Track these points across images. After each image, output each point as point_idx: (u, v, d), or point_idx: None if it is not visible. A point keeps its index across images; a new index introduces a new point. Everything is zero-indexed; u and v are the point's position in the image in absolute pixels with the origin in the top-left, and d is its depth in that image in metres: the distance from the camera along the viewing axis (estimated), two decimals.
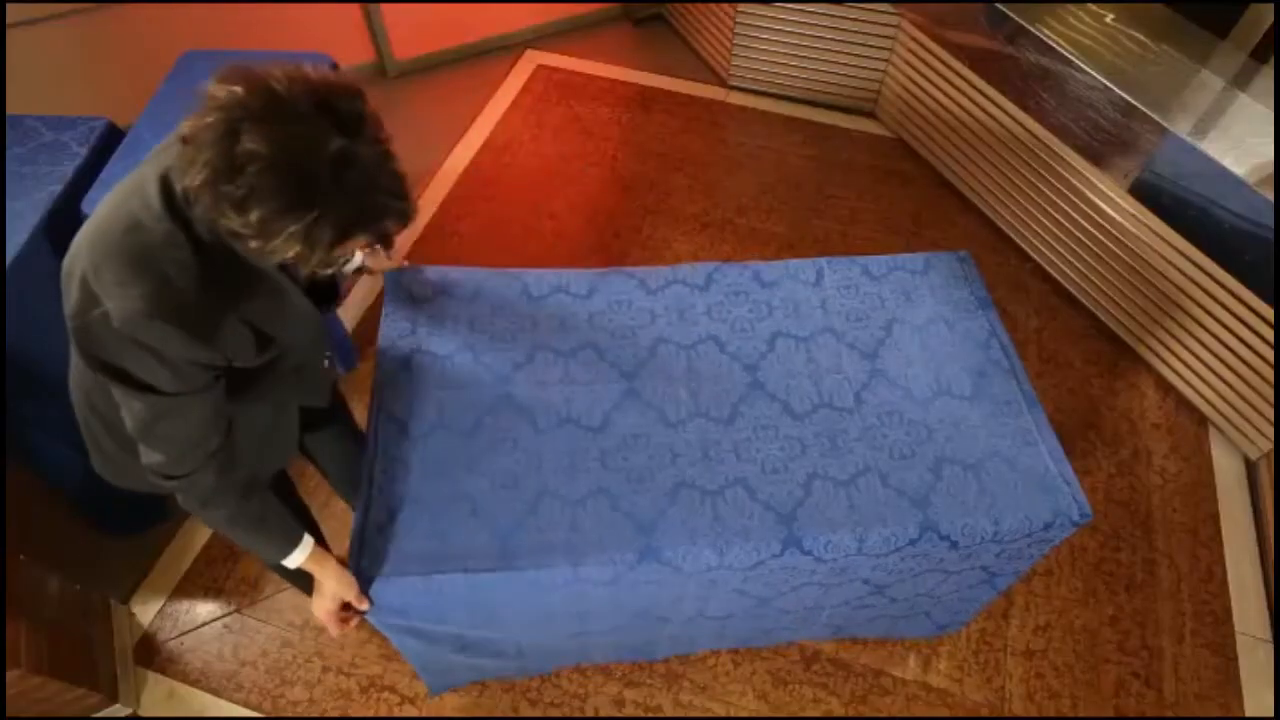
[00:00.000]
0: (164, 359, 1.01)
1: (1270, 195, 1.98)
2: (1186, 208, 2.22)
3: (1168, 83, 2.27)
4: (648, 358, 1.62)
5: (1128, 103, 2.24)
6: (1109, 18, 2.47)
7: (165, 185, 0.99)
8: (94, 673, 1.83)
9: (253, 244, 0.91)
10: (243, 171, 0.85)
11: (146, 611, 2.06)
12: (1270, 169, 2.03)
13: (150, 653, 2.00)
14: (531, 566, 1.35)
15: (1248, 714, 1.96)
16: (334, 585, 1.30)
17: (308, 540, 1.29)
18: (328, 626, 1.35)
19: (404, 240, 2.92)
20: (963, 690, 1.97)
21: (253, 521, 1.24)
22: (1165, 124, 2.16)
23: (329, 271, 1.12)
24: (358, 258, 1.31)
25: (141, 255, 0.98)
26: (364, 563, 1.35)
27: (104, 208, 1.05)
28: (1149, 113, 2.19)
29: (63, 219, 1.86)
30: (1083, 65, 2.33)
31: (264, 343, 1.13)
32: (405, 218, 0.99)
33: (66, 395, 1.89)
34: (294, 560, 1.28)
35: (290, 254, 0.92)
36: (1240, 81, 2.26)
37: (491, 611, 1.53)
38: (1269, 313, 2.12)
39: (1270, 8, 2.43)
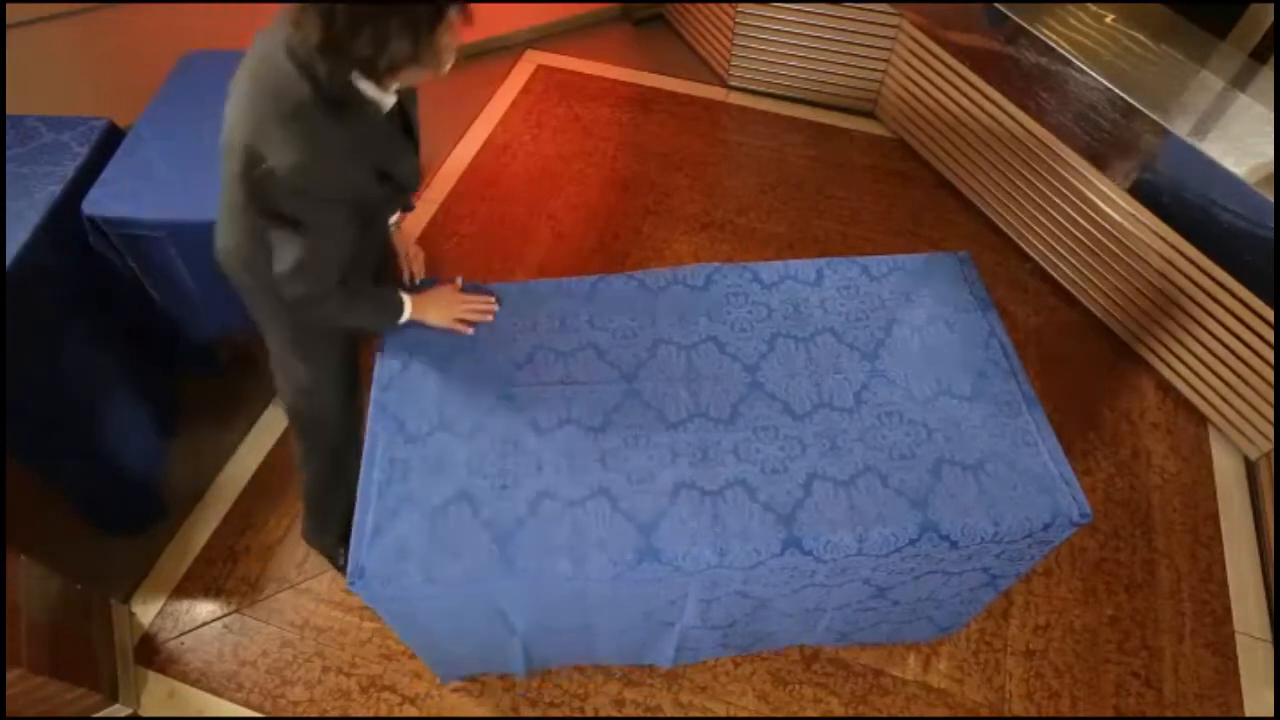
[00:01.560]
0: (315, 200, 1.24)
1: (1270, 195, 1.98)
2: (1186, 208, 2.22)
3: (1167, 83, 2.27)
4: (648, 358, 1.63)
5: (1127, 103, 2.24)
6: (1109, 18, 2.47)
7: (293, 56, 1.17)
8: (94, 673, 1.83)
9: (378, 61, 1.12)
10: (341, 11, 1.07)
11: (147, 611, 2.06)
12: (1269, 169, 2.03)
13: (151, 652, 2.00)
14: (532, 567, 1.36)
15: (1247, 714, 1.96)
16: (439, 318, 1.61)
17: (406, 299, 1.57)
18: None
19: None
20: (963, 690, 1.97)
21: (372, 310, 1.55)
22: (1165, 124, 2.16)
23: (438, 70, 1.26)
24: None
25: (293, 115, 1.18)
26: (365, 563, 1.35)
27: (245, 85, 1.25)
28: (1149, 113, 2.19)
29: (63, 219, 1.86)
30: (1082, 65, 2.33)
31: (385, 182, 1.35)
32: None
33: (66, 395, 1.91)
34: (405, 317, 1.57)
35: (404, 55, 1.13)
36: (1240, 82, 2.26)
37: (493, 611, 1.53)
38: (1268, 313, 2.12)
39: (1269, 8, 2.43)
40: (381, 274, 1.71)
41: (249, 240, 1.41)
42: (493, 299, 1.70)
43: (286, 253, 1.31)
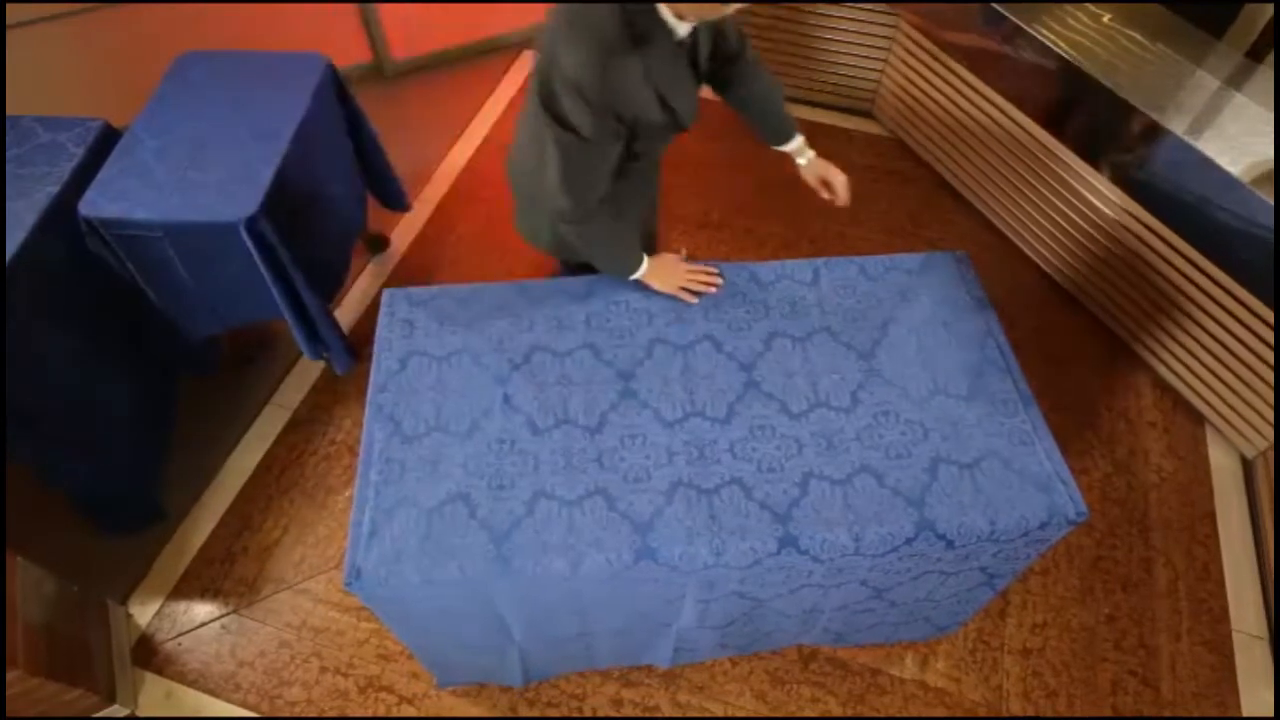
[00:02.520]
0: (592, 105, 1.32)
1: (1268, 195, 1.98)
2: (1182, 207, 2.22)
3: (1164, 82, 2.27)
4: (644, 357, 1.63)
5: (1124, 102, 2.24)
6: (1106, 18, 2.47)
7: None
8: (91, 673, 1.83)
9: None
10: None
11: (144, 612, 2.06)
12: (1265, 167, 2.03)
13: (148, 653, 2.00)
14: (528, 567, 1.36)
15: (1244, 712, 1.97)
16: (665, 285, 1.68)
17: (645, 260, 1.66)
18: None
19: (402, 240, 2.92)
20: (960, 689, 1.98)
21: (615, 252, 1.63)
22: (1162, 123, 2.17)
23: (721, 9, 1.31)
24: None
25: (588, 27, 1.28)
26: (361, 564, 1.35)
27: (563, 7, 1.34)
28: (1146, 112, 2.20)
29: (60, 220, 1.87)
30: (1079, 65, 2.33)
31: (667, 110, 1.43)
32: None
33: (63, 396, 1.90)
34: (638, 274, 1.66)
35: None
36: (1236, 81, 2.26)
37: (490, 613, 1.53)
38: (1265, 311, 2.12)
39: (1264, 8, 2.43)
40: (649, 240, 1.89)
41: (532, 148, 1.54)
42: (716, 272, 1.73)
43: (557, 161, 1.42)
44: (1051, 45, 2.40)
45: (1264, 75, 2.28)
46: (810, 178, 1.73)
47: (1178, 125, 2.15)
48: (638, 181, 1.67)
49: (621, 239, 1.64)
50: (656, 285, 1.69)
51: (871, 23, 3.07)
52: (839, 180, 1.70)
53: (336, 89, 2.32)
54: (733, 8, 1.30)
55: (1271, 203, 1.97)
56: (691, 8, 1.31)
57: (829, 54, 3.25)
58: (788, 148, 1.76)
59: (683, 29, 1.38)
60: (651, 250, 1.82)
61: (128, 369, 2.11)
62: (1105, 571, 2.17)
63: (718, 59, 1.60)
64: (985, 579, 1.65)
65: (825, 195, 1.69)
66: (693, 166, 3.20)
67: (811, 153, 1.75)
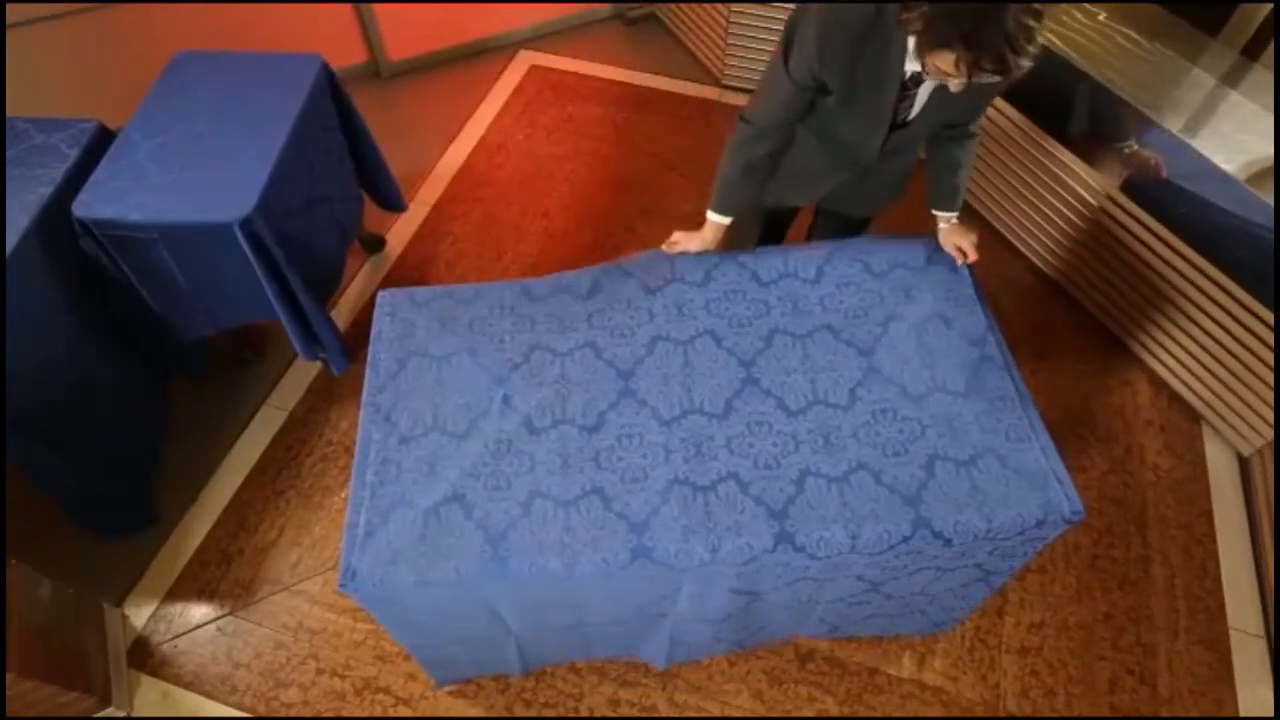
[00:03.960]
0: (804, 45, 1.46)
1: (1266, 194, 1.98)
2: (1178, 204, 2.22)
3: (1160, 80, 2.27)
4: (645, 355, 1.62)
5: (1119, 99, 2.24)
6: (1101, 15, 2.47)
7: None
8: (87, 676, 1.83)
9: (908, 28, 1.31)
10: None
11: (140, 614, 2.05)
12: (1261, 164, 2.03)
13: (144, 655, 1.99)
14: (524, 568, 1.35)
15: (1241, 710, 1.97)
16: (691, 241, 1.80)
17: (724, 222, 1.77)
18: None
19: (398, 241, 2.92)
20: (958, 688, 1.97)
21: (733, 178, 1.72)
22: (1157, 121, 2.17)
23: (931, 75, 1.38)
24: (951, 84, 1.41)
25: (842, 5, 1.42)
26: (356, 565, 1.35)
27: None
28: (1141, 109, 2.20)
29: (53, 221, 1.86)
30: (1075, 62, 2.33)
31: (847, 97, 1.52)
32: (1003, 64, 1.23)
33: (57, 398, 1.90)
34: (711, 217, 1.78)
35: (921, 44, 1.30)
36: (1231, 79, 2.26)
37: (487, 610, 1.53)
38: (1260, 309, 2.12)
39: (1260, 6, 2.43)
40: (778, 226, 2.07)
41: None
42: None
43: (767, 68, 1.59)
44: (1047, 42, 2.40)
45: (1258, 73, 2.28)
46: (946, 243, 1.78)
47: (1173, 123, 2.16)
48: (806, 163, 1.76)
49: (731, 177, 1.72)
50: (693, 243, 1.80)
51: None
52: (968, 244, 1.75)
53: (332, 89, 2.32)
54: (956, 83, 1.35)
55: (1269, 201, 1.97)
56: (928, 62, 1.35)
57: None
58: (939, 214, 1.80)
59: (911, 65, 1.43)
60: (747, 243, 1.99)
61: (122, 370, 2.10)
62: (1102, 570, 2.17)
63: (950, 125, 1.66)
64: (982, 575, 1.65)
65: (959, 258, 1.75)
66: (689, 166, 3.20)
67: (954, 221, 1.79)
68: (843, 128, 1.63)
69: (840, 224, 2.05)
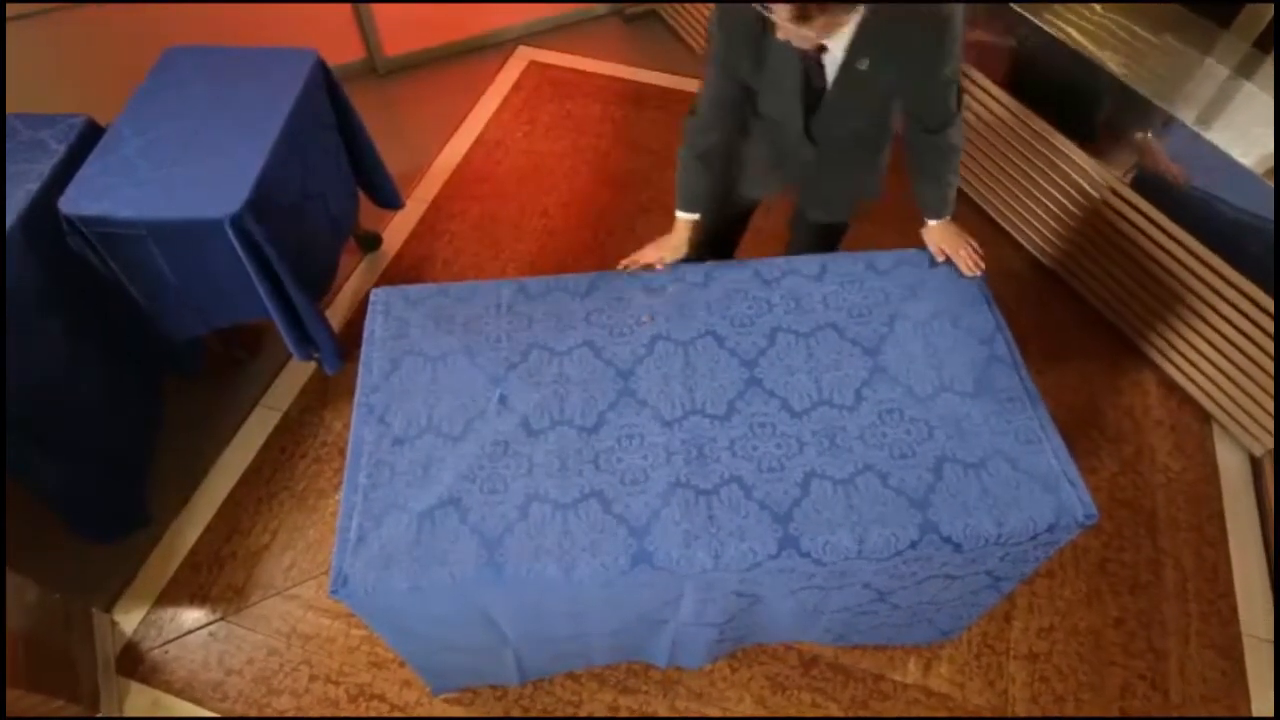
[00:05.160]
0: (716, 30, 1.53)
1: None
2: (1189, 200, 2.18)
3: (1170, 71, 2.23)
4: (645, 355, 1.58)
5: (1130, 91, 2.20)
6: (1098, 9, 2.43)
7: None
8: (74, 683, 1.79)
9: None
10: None
11: (130, 620, 2.01)
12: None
13: (133, 662, 1.95)
14: (520, 573, 1.31)
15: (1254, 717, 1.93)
16: (659, 249, 1.74)
17: (691, 218, 1.76)
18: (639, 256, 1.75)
19: (395, 239, 2.88)
20: (964, 695, 1.93)
21: (690, 171, 1.73)
22: (1170, 111, 2.12)
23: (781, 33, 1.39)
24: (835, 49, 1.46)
25: None
26: (348, 571, 1.31)
27: None
28: (1153, 101, 2.15)
29: (40, 218, 1.82)
30: (1083, 53, 2.29)
31: (758, 74, 1.55)
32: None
33: (47, 397, 1.86)
34: (679, 216, 1.77)
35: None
36: (1244, 70, 2.22)
37: (483, 617, 1.49)
38: (1272, 305, 2.08)
39: (1269, 6, 2.39)
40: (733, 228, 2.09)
41: None
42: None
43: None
44: (1054, 34, 2.36)
45: (1272, 65, 2.24)
46: (928, 241, 1.75)
47: (1185, 115, 2.11)
48: (753, 150, 1.79)
49: (688, 170, 1.73)
50: (658, 245, 1.76)
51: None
52: (951, 244, 1.71)
53: (327, 85, 2.28)
54: (783, 37, 1.37)
55: None
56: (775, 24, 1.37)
57: None
58: (926, 216, 1.76)
59: (781, 33, 1.42)
60: (724, 253, 2.06)
61: (111, 370, 2.06)
62: (1112, 574, 2.12)
63: (916, 123, 1.63)
64: (991, 582, 1.61)
65: (939, 256, 1.72)
66: None
67: (936, 222, 1.73)
68: (765, 106, 1.65)
69: (811, 234, 2.04)
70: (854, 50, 1.45)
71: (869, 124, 1.68)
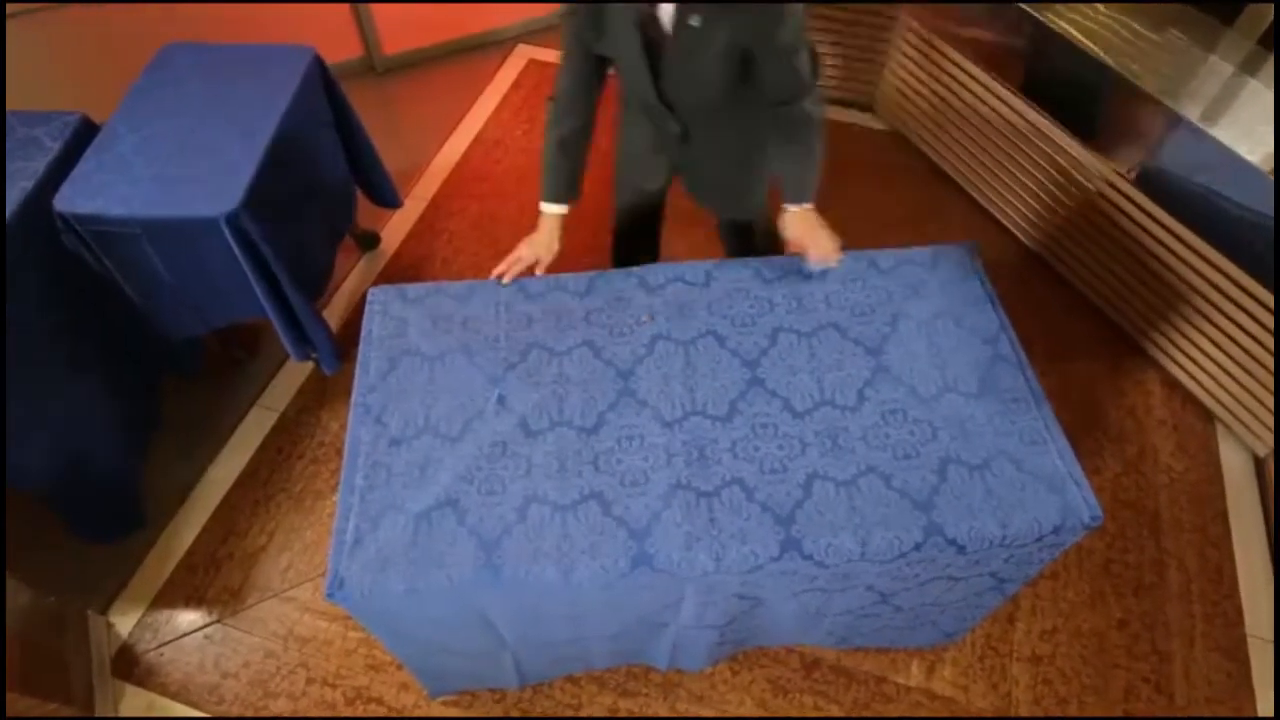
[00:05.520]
0: (564, 17, 1.53)
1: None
2: (1194, 198, 2.16)
3: (1175, 68, 2.21)
4: (645, 355, 1.57)
5: (1134, 88, 2.18)
6: (1102, 9, 2.41)
7: None
8: (68, 686, 1.77)
9: None
10: None
11: (125, 622, 2.00)
12: None
13: (129, 664, 1.94)
14: (519, 576, 1.29)
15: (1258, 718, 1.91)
16: (530, 248, 1.70)
17: (558, 211, 1.73)
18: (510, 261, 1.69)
19: (393, 238, 2.86)
20: (968, 697, 1.91)
21: (551, 159, 1.70)
22: (1175, 109, 2.10)
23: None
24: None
25: None
26: (345, 573, 1.29)
27: None
28: (1157, 98, 2.13)
29: (34, 216, 1.80)
30: (1087, 50, 2.27)
31: (601, 34, 1.51)
32: None
33: (42, 397, 1.84)
34: (544, 208, 1.72)
35: None
36: (1249, 67, 2.20)
37: (481, 620, 1.47)
38: (1273, 302, 2.06)
39: (1269, 5, 2.37)
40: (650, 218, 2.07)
41: None
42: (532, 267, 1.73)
43: None
44: (1059, 32, 2.34)
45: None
46: (785, 230, 1.64)
47: (1190, 112, 2.09)
48: (635, 139, 1.79)
49: (550, 157, 1.69)
50: (529, 242, 1.72)
51: (870, 13, 3.01)
52: (810, 238, 1.61)
53: (324, 82, 2.26)
54: None
55: None
56: None
57: (827, 47, 3.19)
58: (783, 200, 1.66)
59: None
60: (644, 247, 2.02)
61: (107, 370, 2.04)
62: (1116, 575, 2.11)
63: (765, 91, 1.56)
64: (995, 584, 1.59)
65: (793, 249, 1.64)
66: None
67: (796, 209, 1.63)
68: (623, 75, 1.62)
69: (727, 231, 2.04)
70: (684, 4, 1.41)
71: (723, 96, 1.58)
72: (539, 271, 1.70)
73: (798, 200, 1.63)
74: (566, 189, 1.73)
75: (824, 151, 1.62)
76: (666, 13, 1.44)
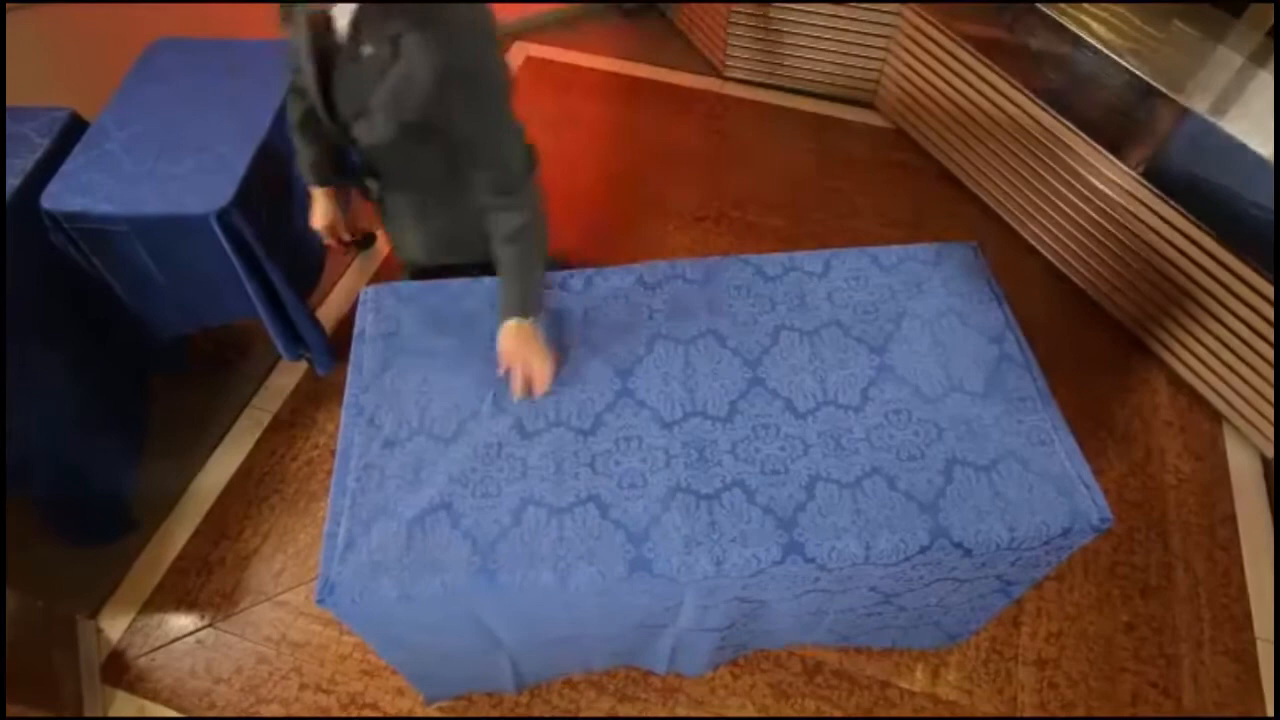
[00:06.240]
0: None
1: None
2: (1202, 192, 2.13)
3: (1183, 61, 2.18)
4: (644, 354, 1.53)
5: (1142, 81, 2.15)
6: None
7: None
8: (56, 693, 1.74)
9: None
10: None
11: (115, 626, 1.96)
12: None
13: (119, 670, 1.90)
14: (514, 580, 1.26)
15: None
16: (319, 216, 1.70)
17: (322, 190, 1.67)
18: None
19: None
20: (973, 702, 1.88)
21: (295, 141, 1.61)
22: (1182, 102, 2.07)
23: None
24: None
25: None
26: (335, 578, 1.26)
27: None
28: (1165, 90, 2.10)
29: (23, 214, 1.77)
30: (1093, 43, 2.24)
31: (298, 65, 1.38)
32: None
33: (30, 397, 1.80)
34: (310, 188, 1.67)
35: None
36: (1259, 59, 2.17)
37: (476, 624, 1.44)
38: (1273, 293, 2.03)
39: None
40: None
41: None
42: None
43: None
44: (1065, 24, 2.31)
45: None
46: (500, 344, 1.42)
47: (1199, 104, 2.06)
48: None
49: (294, 140, 1.61)
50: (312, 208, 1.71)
51: (872, 9, 2.98)
52: (520, 357, 1.40)
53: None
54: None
55: None
56: None
57: (829, 44, 3.16)
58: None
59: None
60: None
61: (97, 369, 2.01)
62: (1123, 577, 2.08)
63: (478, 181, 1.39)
64: (1001, 586, 1.56)
65: (499, 367, 1.43)
66: (689, 160, 3.11)
67: (513, 323, 1.40)
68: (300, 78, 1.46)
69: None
70: (357, 28, 1.23)
71: (406, 148, 1.37)
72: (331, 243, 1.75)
73: (515, 315, 1.39)
74: (322, 170, 1.64)
75: (543, 255, 1.44)
76: (342, 15, 1.23)
